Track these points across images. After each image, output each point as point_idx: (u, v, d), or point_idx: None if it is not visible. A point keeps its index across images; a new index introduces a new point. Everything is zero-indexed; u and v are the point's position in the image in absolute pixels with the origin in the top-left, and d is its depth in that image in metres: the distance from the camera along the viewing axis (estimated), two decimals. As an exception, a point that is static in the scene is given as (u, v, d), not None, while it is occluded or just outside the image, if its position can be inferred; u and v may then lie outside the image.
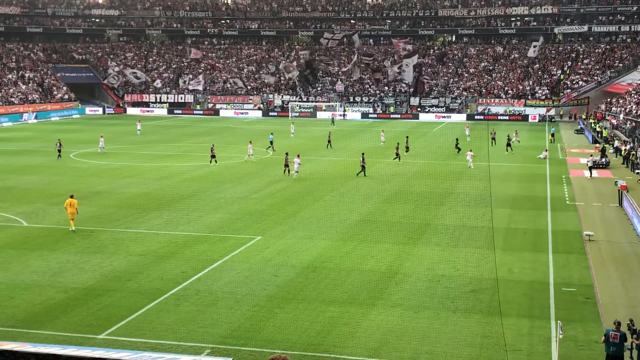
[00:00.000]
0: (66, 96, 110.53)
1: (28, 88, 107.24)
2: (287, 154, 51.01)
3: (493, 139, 67.58)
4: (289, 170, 49.64)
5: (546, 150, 61.21)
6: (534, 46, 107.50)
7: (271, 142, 64.19)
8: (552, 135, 73.41)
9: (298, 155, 51.19)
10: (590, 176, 49.79)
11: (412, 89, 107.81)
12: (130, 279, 26.78)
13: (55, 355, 18.27)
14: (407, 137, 64.01)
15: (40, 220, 36.15)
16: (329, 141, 66.15)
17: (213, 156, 54.44)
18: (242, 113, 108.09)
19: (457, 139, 63.01)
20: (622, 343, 18.67)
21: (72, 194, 35.53)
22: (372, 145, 63.07)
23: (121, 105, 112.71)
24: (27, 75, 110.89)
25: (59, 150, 58.92)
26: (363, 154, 50.78)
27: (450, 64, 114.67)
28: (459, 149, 60.13)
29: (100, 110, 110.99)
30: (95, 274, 27.29)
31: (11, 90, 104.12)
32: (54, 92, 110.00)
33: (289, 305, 24.03)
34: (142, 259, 29.36)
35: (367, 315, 23.21)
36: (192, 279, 26.67)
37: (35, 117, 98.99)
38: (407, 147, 60.90)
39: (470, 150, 55.56)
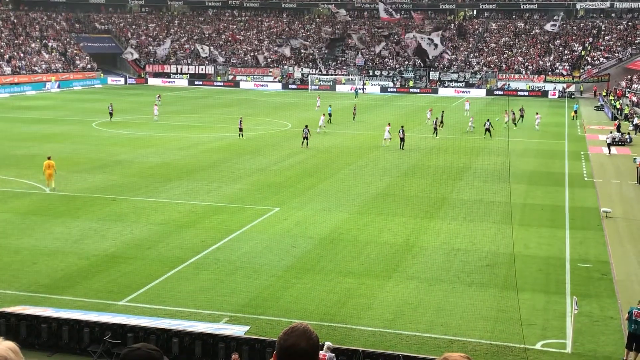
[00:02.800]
0: (89, 66, 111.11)
1: (51, 57, 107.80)
2: (306, 126, 51.20)
3: (521, 116, 66.80)
4: (307, 143, 49.88)
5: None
6: (554, 20, 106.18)
7: (330, 115, 64.35)
8: (575, 112, 71.44)
9: (389, 124, 52.38)
10: (609, 153, 49.61)
11: (431, 64, 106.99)
12: (150, 247, 27.19)
13: (77, 320, 18.75)
14: (442, 111, 64.09)
15: (62, 187, 36.54)
16: (354, 114, 66.08)
17: (241, 129, 54.28)
18: (262, 85, 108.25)
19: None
20: None
21: (49, 155, 36.67)
22: (392, 119, 62.93)
23: (142, 75, 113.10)
24: (50, 44, 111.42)
25: (111, 114, 63.38)
26: (402, 126, 51.16)
27: (470, 39, 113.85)
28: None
29: (122, 80, 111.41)
30: (116, 241, 27.73)
31: (34, 59, 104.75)
32: (77, 62, 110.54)
33: (306, 275, 24.36)
34: (162, 227, 29.77)
35: (383, 287, 23.50)
36: (211, 248, 27.05)
37: (58, 86, 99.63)
38: (442, 122, 61.09)
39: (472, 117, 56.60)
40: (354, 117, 65.62)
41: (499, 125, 59.83)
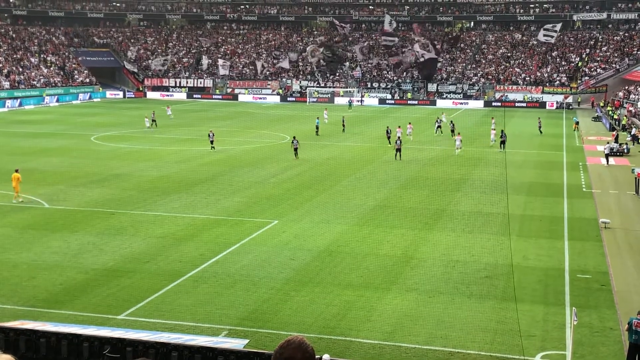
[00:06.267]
0: (87, 80, 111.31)
1: (50, 71, 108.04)
2: (294, 137, 51.74)
3: (539, 127, 67.10)
4: (296, 155, 50.54)
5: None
6: (547, 31, 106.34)
7: (317, 127, 65.03)
8: (577, 123, 70.71)
9: (459, 133, 53.25)
10: (607, 164, 49.60)
11: (426, 75, 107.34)
12: (149, 260, 27.17)
13: (76, 335, 18.68)
14: (451, 121, 64.88)
15: (61, 201, 36.64)
16: (344, 125, 66.57)
17: (212, 142, 54.36)
18: (261, 98, 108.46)
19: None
20: None
21: (17, 168, 37.16)
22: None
23: (141, 89, 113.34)
24: (49, 58, 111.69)
25: (154, 121, 68.25)
26: (399, 137, 51.75)
27: (468, 51, 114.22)
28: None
29: (121, 94, 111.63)
30: (115, 255, 27.71)
31: (33, 74, 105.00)
32: (75, 76, 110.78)
33: (305, 288, 24.31)
34: (161, 241, 29.75)
35: (382, 299, 23.45)
36: (210, 262, 27.03)
37: (57, 100, 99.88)
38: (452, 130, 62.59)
39: (459, 134, 56.00)
40: (343, 129, 66.16)
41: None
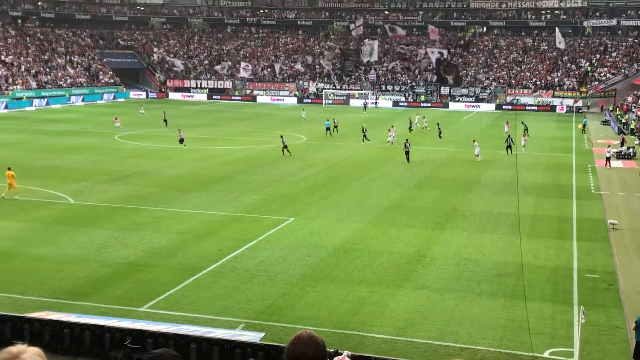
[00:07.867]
0: (111, 80, 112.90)
1: (76, 72, 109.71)
2: (281, 136, 53.61)
3: (526, 129, 67.14)
4: (288, 151, 51.99)
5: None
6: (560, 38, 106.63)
7: (327, 128, 66.10)
8: (584, 125, 71.61)
9: (474, 140, 53.43)
10: (606, 166, 49.37)
11: (436, 76, 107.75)
12: (169, 255, 27.67)
13: (99, 326, 19.36)
14: (437, 123, 65.40)
15: (86, 197, 37.35)
16: (336, 126, 67.27)
17: (181, 140, 55.85)
18: (278, 100, 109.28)
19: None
20: None
21: (9, 166, 37.63)
22: (400, 132, 63.53)
23: (163, 90, 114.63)
24: (75, 59, 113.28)
25: (165, 120, 70.00)
26: (407, 139, 52.39)
27: (480, 55, 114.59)
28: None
29: (144, 94, 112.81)
30: (136, 250, 28.26)
31: (60, 74, 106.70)
32: (100, 77, 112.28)
33: (320, 284, 24.67)
34: (181, 236, 30.29)
35: (395, 295, 23.74)
36: (228, 257, 27.52)
37: (83, 100, 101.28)
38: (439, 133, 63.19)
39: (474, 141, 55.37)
40: (337, 130, 66.92)
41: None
